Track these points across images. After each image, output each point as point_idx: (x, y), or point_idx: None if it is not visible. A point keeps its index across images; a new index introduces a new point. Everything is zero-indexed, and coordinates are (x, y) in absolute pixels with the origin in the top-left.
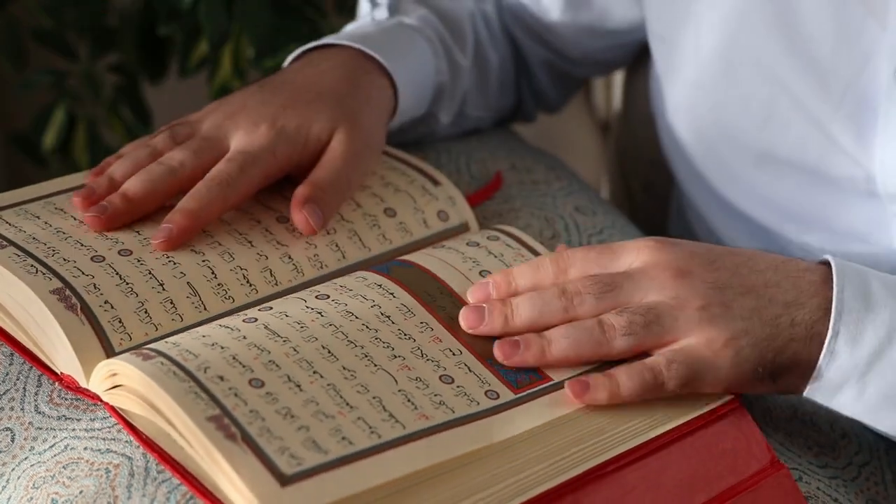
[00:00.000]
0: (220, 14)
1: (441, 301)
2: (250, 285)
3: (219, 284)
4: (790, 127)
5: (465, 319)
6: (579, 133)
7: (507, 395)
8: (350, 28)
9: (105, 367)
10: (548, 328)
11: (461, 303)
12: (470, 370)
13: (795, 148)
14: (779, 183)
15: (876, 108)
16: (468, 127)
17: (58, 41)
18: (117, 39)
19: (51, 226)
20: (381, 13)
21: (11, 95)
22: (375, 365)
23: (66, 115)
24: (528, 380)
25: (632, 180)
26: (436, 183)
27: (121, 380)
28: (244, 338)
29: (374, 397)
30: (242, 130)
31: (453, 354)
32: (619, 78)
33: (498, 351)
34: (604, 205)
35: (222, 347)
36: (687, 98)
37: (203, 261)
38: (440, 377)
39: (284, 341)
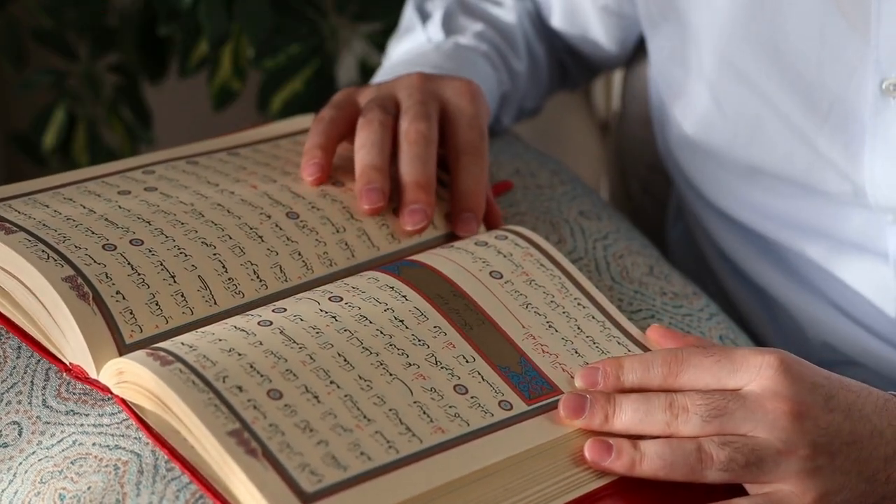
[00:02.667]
0: (220, 14)
1: (454, 304)
2: (260, 280)
3: (229, 279)
4: (777, 142)
5: (565, 407)
6: (579, 133)
7: (520, 405)
8: (408, 51)
9: (118, 365)
10: (644, 435)
11: (473, 306)
12: (483, 379)
13: (783, 163)
14: (771, 195)
15: (863, 121)
16: (524, 118)
17: (58, 41)
18: (117, 39)
19: (60, 213)
20: (435, 32)
21: (11, 95)
22: (391, 374)
23: (66, 115)
24: (540, 391)
25: (631, 182)
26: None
27: (135, 380)
28: (260, 343)
29: (390, 409)
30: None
31: (466, 361)
32: (618, 78)
33: (589, 451)
34: (607, 209)
35: (239, 354)
36: (682, 113)
37: (214, 254)
38: (454, 387)
39: (300, 348)
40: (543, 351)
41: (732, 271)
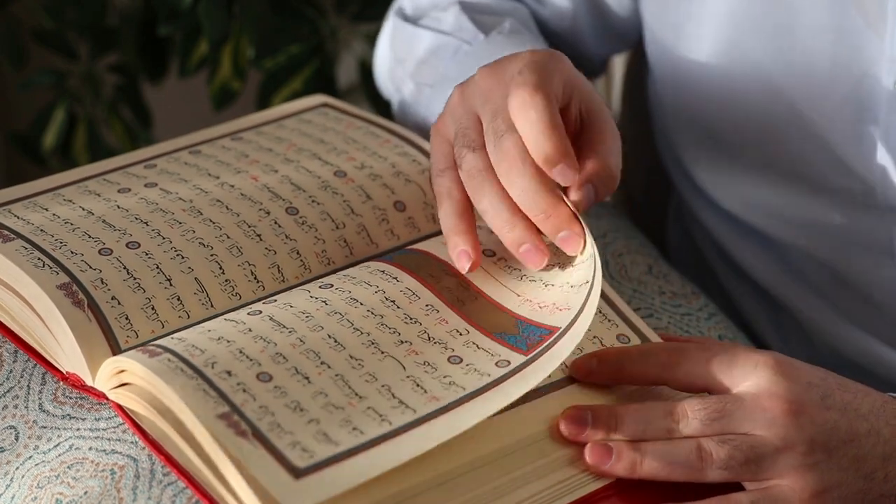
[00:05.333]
0: (220, 14)
1: (445, 282)
2: (257, 282)
3: (226, 280)
4: (789, 138)
5: (566, 424)
6: None
7: (518, 359)
8: (488, 45)
9: (111, 364)
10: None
11: (467, 284)
12: (479, 347)
13: (795, 159)
14: (779, 193)
15: (876, 119)
16: None
17: (58, 41)
18: (117, 39)
19: (59, 217)
20: (472, 34)
21: (11, 95)
22: (382, 352)
23: (66, 115)
24: (538, 339)
25: (631, 184)
26: None
27: (127, 377)
28: (249, 330)
29: (382, 385)
30: None
31: (460, 334)
32: (619, 78)
33: (589, 454)
34: (607, 208)
35: (228, 341)
36: (686, 107)
37: (211, 255)
38: (448, 358)
39: (290, 332)
40: (541, 307)
41: (735, 274)
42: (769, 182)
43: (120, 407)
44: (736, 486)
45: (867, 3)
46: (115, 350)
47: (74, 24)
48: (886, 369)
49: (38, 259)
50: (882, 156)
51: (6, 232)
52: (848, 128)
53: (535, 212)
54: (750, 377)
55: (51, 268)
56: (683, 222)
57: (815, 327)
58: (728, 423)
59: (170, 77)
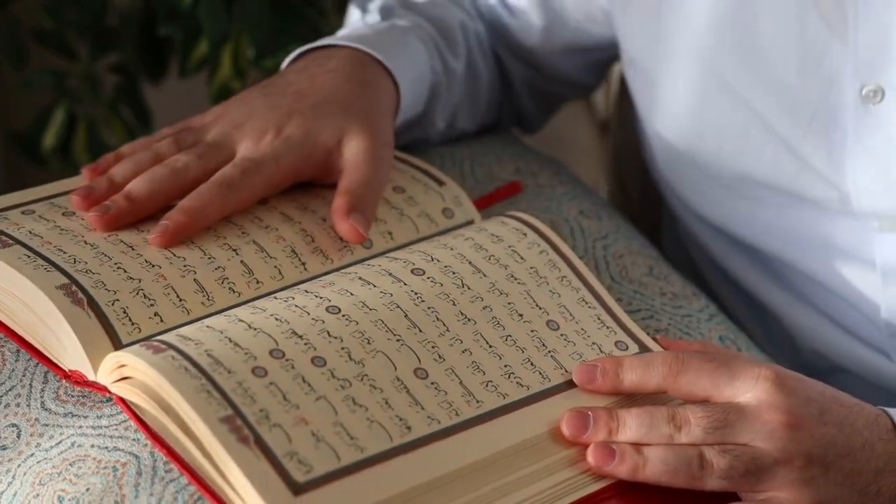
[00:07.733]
0: (220, 14)
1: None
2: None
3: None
4: (764, 150)
5: (568, 426)
6: (579, 133)
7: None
8: (344, 32)
9: (114, 359)
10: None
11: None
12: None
13: (770, 171)
14: (758, 205)
15: (845, 128)
16: (453, 134)
17: (58, 41)
18: (117, 39)
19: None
20: (373, 18)
21: (11, 95)
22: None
23: (66, 115)
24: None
25: (629, 186)
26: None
27: (129, 371)
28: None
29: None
30: (249, 138)
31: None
32: (618, 78)
33: (592, 455)
34: (607, 209)
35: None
36: (665, 126)
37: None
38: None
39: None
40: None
41: (724, 280)
42: (750, 195)
43: (122, 400)
44: (732, 494)
45: (830, 9)
46: (117, 345)
47: (74, 24)
48: (872, 373)
49: (38, 264)
50: (852, 164)
51: (5, 237)
52: (819, 137)
53: (195, 202)
54: (751, 390)
55: (47, 269)
56: (675, 231)
57: (801, 333)
58: (729, 433)
59: (170, 77)
